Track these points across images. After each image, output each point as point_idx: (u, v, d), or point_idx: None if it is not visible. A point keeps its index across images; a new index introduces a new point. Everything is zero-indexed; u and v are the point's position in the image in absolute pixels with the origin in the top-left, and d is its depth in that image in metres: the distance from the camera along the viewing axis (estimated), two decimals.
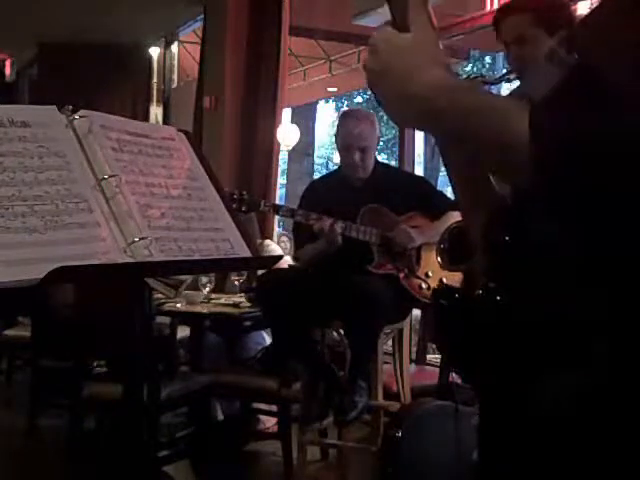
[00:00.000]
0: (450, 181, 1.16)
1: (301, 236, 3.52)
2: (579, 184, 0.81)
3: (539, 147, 0.82)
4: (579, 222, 0.85)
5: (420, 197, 3.49)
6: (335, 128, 3.63)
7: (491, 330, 1.02)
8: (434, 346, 5.06)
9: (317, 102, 15.63)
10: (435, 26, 1.00)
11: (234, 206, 3.15)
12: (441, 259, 3.31)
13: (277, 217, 6.13)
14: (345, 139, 3.49)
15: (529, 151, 0.82)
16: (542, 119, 0.83)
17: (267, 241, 4.97)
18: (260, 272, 3.73)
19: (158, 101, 8.74)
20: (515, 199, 1.04)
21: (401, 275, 3.37)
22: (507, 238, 1.03)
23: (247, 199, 3.29)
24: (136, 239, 1.38)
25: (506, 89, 2.58)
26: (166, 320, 3.94)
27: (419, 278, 3.39)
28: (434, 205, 3.46)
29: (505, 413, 1.03)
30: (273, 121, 5.93)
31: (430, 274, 3.39)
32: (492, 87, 1.75)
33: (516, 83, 2.13)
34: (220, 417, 4.00)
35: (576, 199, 0.83)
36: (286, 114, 6.62)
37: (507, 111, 0.88)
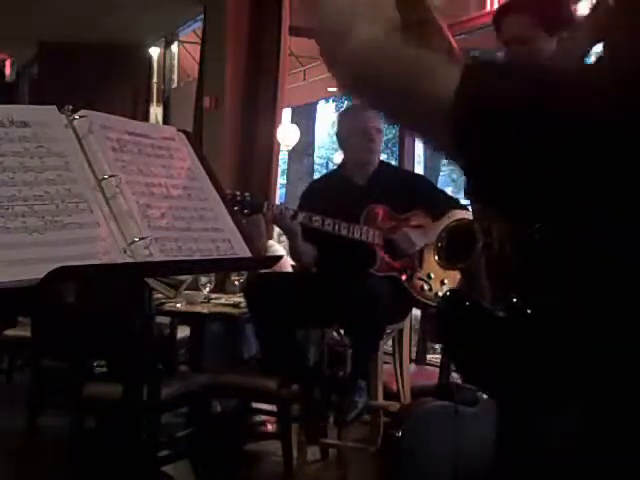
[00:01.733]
0: None
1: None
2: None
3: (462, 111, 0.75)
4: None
5: (421, 196, 3.48)
6: (335, 128, 3.59)
7: (522, 343, 0.95)
8: (434, 346, 5.06)
9: (317, 102, 15.61)
10: None
11: (237, 208, 3.12)
12: (438, 257, 3.31)
13: None
14: (360, 123, 3.37)
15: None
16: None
17: (270, 241, 4.95)
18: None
19: (158, 101, 8.75)
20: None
21: (403, 277, 3.37)
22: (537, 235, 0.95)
23: (250, 201, 3.24)
24: (136, 239, 1.38)
25: None
26: (166, 320, 3.94)
27: (421, 279, 3.39)
28: (435, 203, 3.45)
29: (531, 427, 0.97)
30: (273, 121, 5.92)
31: (432, 275, 3.39)
32: None
33: None
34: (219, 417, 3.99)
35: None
36: (286, 114, 6.61)
37: (434, 66, 0.79)
